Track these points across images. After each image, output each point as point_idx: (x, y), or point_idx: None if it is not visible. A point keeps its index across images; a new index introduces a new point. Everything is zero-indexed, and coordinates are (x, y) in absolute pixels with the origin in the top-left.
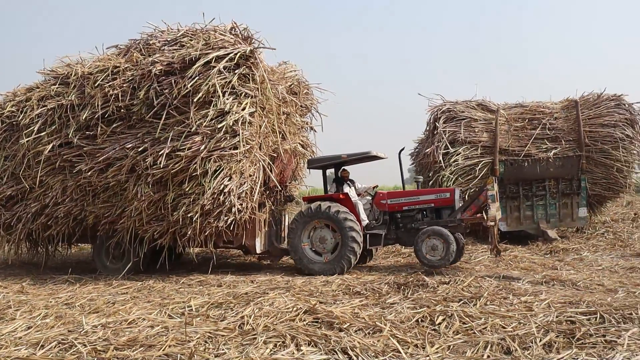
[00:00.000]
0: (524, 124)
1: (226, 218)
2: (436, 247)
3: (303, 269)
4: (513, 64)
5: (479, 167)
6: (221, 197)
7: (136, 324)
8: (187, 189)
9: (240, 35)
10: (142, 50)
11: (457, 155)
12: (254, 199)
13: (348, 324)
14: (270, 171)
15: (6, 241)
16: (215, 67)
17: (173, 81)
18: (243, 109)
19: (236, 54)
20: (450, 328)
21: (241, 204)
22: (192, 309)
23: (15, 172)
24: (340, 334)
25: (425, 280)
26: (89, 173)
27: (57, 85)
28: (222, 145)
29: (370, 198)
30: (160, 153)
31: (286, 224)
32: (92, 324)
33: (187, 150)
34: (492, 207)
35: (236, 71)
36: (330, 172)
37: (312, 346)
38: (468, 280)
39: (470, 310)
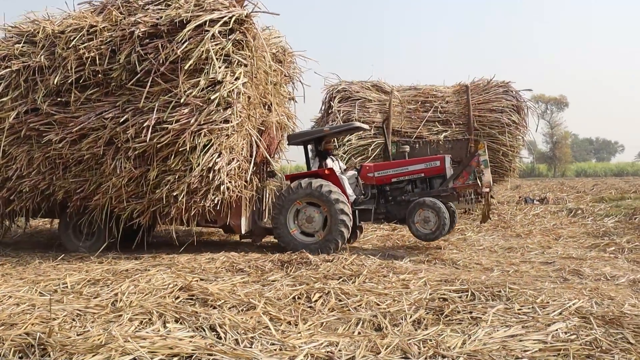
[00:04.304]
0: (417, 106)
1: (214, 197)
2: (429, 219)
3: (292, 250)
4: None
5: (372, 147)
6: (210, 175)
7: (1, 301)
8: (172, 165)
9: None
10: (121, 8)
11: (350, 135)
12: (246, 177)
13: (222, 301)
14: (259, 146)
15: None
16: (209, 31)
17: (160, 45)
18: (237, 79)
19: (231, 17)
20: (325, 305)
21: (230, 182)
22: (67, 286)
23: None
24: (213, 310)
25: (308, 258)
26: (60, 144)
27: (22, 44)
28: (213, 118)
29: (356, 172)
30: (144, 125)
31: (268, 200)
32: None
33: (175, 122)
34: (486, 173)
35: (230, 37)
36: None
37: (179, 323)
38: (351, 259)
39: (348, 287)
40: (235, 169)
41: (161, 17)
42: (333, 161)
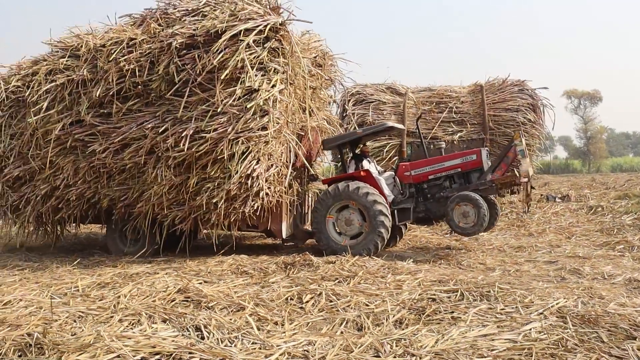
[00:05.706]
0: (432, 107)
1: (253, 203)
2: (468, 214)
3: (326, 249)
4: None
5: (387, 149)
6: (248, 182)
7: (12, 304)
8: (211, 173)
9: (268, 5)
10: (160, 20)
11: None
12: (285, 182)
13: (215, 302)
14: (297, 152)
15: (14, 223)
16: (244, 40)
17: (196, 55)
18: (273, 86)
19: (266, 26)
20: (316, 306)
21: (269, 188)
22: (77, 290)
23: (23, 152)
24: (202, 312)
25: (311, 260)
26: (104, 154)
27: (66, 59)
28: (250, 126)
29: (393, 172)
30: (183, 134)
31: (310, 203)
32: None
33: (213, 131)
34: (524, 163)
35: (266, 45)
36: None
37: (166, 324)
38: (352, 260)
39: (341, 288)
40: (274, 174)
41: (197, 28)
42: (369, 163)
